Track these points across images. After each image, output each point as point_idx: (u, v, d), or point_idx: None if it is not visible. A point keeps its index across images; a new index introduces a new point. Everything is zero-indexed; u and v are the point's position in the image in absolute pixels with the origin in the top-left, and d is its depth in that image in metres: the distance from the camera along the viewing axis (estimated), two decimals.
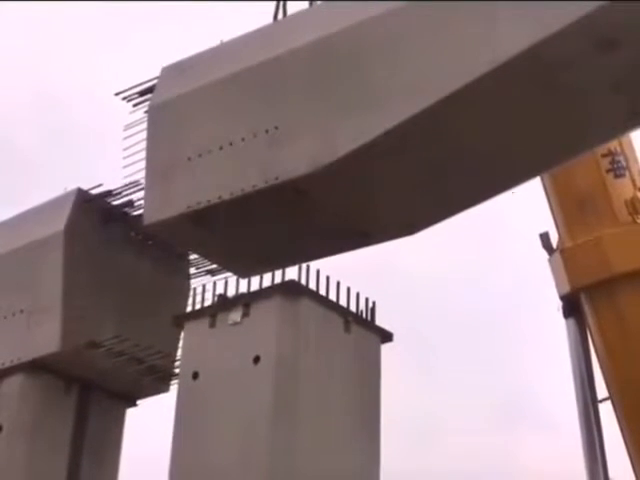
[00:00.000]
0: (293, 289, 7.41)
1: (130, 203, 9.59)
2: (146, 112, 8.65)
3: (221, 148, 7.82)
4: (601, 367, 16.01)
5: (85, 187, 9.67)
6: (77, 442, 9.59)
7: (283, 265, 7.68)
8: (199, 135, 8.02)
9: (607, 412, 15.71)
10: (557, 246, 16.49)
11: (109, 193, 9.63)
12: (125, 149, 9.04)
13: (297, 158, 7.36)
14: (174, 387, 9.25)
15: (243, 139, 7.71)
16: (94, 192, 9.66)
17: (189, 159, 7.97)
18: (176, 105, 8.30)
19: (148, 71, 8.96)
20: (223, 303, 7.64)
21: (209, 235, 7.94)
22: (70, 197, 9.58)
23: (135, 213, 9.54)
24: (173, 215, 7.93)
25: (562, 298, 16.26)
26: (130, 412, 10.20)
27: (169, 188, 8.02)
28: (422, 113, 6.87)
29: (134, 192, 9.38)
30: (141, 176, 8.77)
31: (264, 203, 7.51)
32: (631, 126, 7.75)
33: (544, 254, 16.59)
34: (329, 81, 7.42)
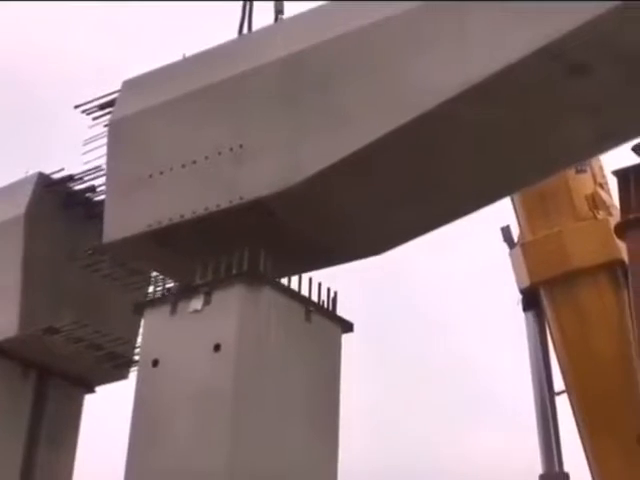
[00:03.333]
0: (255, 278, 7.40)
1: (92, 188, 9.51)
2: (106, 126, 8.51)
3: (184, 166, 7.67)
4: (558, 360, 16.21)
5: (47, 171, 9.59)
6: (34, 428, 9.53)
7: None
8: (161, 152, 7.86)
9: (564, 405, 15.90)
10: (518, 240, 16.64)
11: (71, 178, 9.55)
12: (85, 163, 9.00)
13: (263, 177, 7.26)
14: (133, 374, 9.20)
15: (207, 157, 7.57)
16: (56, 177, 9.58)
17: (151, 176, 7.80)
18: (138, 121, 8.12)
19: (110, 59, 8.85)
20: (184, 291, 7.60)
21: (170, 254, 7.77)
22: (31, 181, 9.49)
23: (97, 198, 9.47)
24: (133, 234, 7.77)
25: (522, 291, 16.43)
26: (89, 398, 10.16)
27: (130, 206, 7.87)
28: (390, 134, 6.81)
29: (96, 177, 9.32)
30: (103, 162, 8.70)
31: (228, 222, 7.39)
32: (603, 148, 7.78)
33: (505, 247, 16.72)
34: (296, 99, 7.31)
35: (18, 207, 9.32)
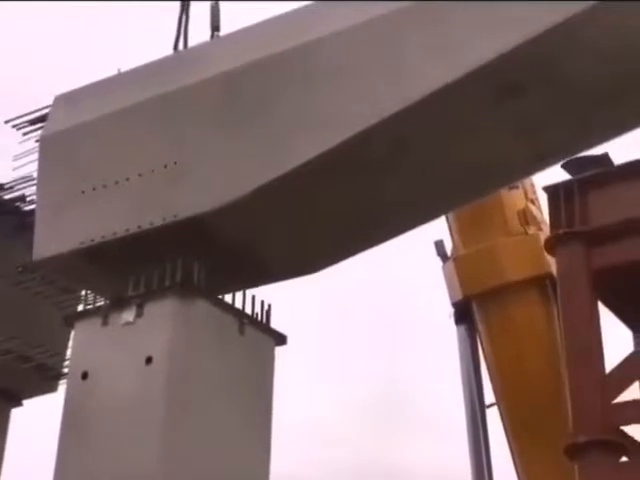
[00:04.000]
0: (188, 290, 7.34)
1: (22, 198, 9.37)
2: (37, 142, 8.35)
3: (117, 183, 7.54)
4: (489, 373, 16.43)
5: None
6: None
7: None
8: (94, 168, 7.72)
9: (494, 417, 16.11)
10: (451, 254, 16.84)
11: (0, 187, 9.39)
12: (14, 169, 8.85)
13: (198, 195, 7.18)
14: (63, 387, 9.06)
15: (140, 174, 7.46)
16: None
17: (83, 193, 7.66)
18: (69, 136, 7.97)
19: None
20: (116, 303, 7.51)
21: (102, 271, 7.63)
22: None
23: (27, 208, 9.33)
24: (65, 251, 7.61)
25: (454, 305, 16.63)
26: (15, 412, 9.96)
27: (61, 222, 7.72)
28: (327, 153, 6.81)
29: (27, 187, 9.18)
30: (34, 170, 8.57)
31: (162, 239, 7.29)
32: (537, 169, 7.87)
33: (438, 261, 16.91)
34: (233, 117, 7.26)
35: None
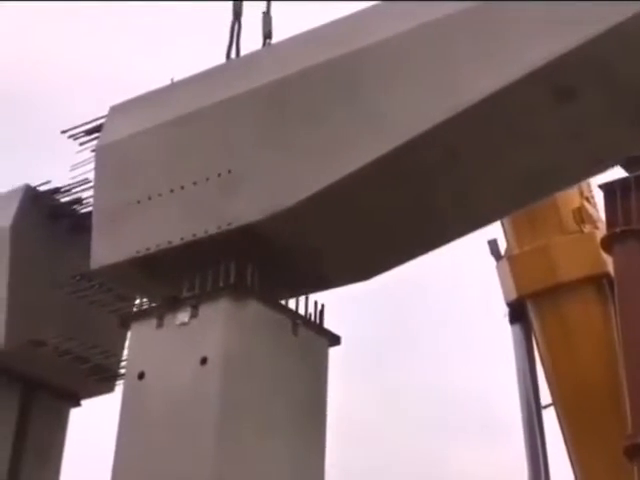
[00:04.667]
0: (242, 291, 7.39)
1: (79, 200, 9.50)
2: (93, 151, 8.48)
3: (172, 191, 7.62)
4: (545, 373, 16.24)
5: (33, 184, 9.57)
6: (19, 441, 9.47)
7: None
8: (149, 178, 7.82)
9: (550, 418, 15.93)
10: (505, 253, 16.69)
11: (57, 190, 9.53)
12: (72, 174, 8.97)
13: (252, 203, 7.22)
14: (120, 387, 9.17)
15: (195, 183, 7.53)
16: (42, 189, 9.56)
17: (139, 202, 7.77)
18: (125, 146, 8.08)
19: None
20: (171, 304, 7.58)
21: (157, 279, 7.69)
22: (18, 193, 9.47)
23: (83, 210, 9.46)
24: (121, 260, 7.73)
25: (509, 304, 16.47)
26: (74, 412, 10.11)
27: (117, 231, 7.82)
28: (381, 159, 6.79)
29: (83, 190, 9.31)
30: (90, 174, 8.69)
31: (216, 248, 7.33)
32: (594, 171, 7.80)
33: (492, 261, 16.78)
34: (286, 124, 7.28)
35: (4, 219, 9.29)
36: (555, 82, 6.47)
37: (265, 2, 8.76)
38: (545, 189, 7.78)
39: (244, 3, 8.75)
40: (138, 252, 7.66)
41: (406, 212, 7.41)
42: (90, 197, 8.93)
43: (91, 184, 8.76)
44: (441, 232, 7.73)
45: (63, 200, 9.58)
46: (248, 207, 7.24)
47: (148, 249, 7.61)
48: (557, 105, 6.59)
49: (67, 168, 9.15)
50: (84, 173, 8.95)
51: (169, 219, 7.62)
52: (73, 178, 9.07)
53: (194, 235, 7.44)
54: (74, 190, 9.44)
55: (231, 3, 8.80)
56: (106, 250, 7.90)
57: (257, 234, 7.28)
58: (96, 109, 8.65)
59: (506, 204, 7.83)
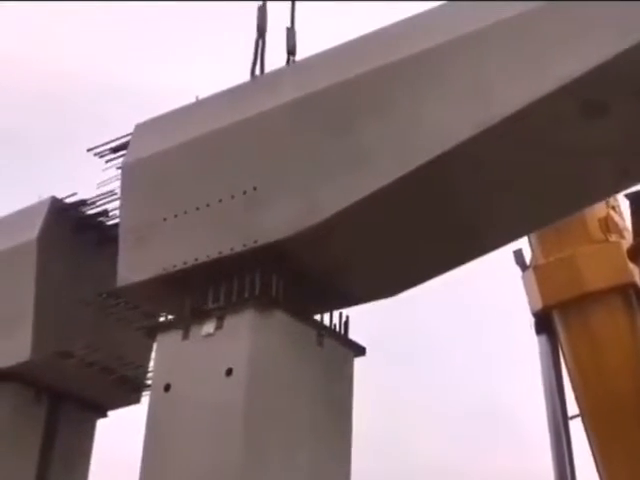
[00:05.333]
0: (267, 302, 7.40)
1: (105, 212, 9.56)
2: (119, 168, 8.53)
3: (198, 209, 7.67)
4: (572, 384, 16.11)
5: (59, 195, 9.64)
6: (46, 452, 9.52)
7: None
8: (175, 195, 7.87)
9: (577, 429, 15.79)
10: (530, 263, 16.60)
11: (83, 202, 9.59)
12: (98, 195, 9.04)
13: (277, 220, 7.23)
14: (145, 398, 9.20)
15: (220, 200, 7.57)
16: (68, 201, 9.62)
17: (165, 219, 7.82)
18: (151, 164, 8.15)
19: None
20: (197, 315, 7.61)
21: (181, 294, 7.70)
22: (44, 205, 9.54)
23: (109, 222, 9.51)
24: (148, 277, 7.78)
25: (534, 314, 16.35)
26: (101, 422, 10.15)
27: (144, 249, 7.87)
28: (407, 175, 6.76)
29: (109, 202, 9.36)
30: (116, 186, 8.75)
31: (242, 266, 7.36)
32: (623, 186, 7.69)
33: (517, 270, 16.69)
34: (311, 141, 7.28)
35: (31, 231, 9.36)
36: (586, 96, 6.40)
37: (289, 17, 8.77)
38: (573, 205, 7.72)
39: (268, 19, 8.76)
40: (164, 269, 7.70)
41: (433, 227, 7.37)
42: (116, 209, 8.99)
43: (117, 196, 8.81)
44: (468, 247, 7.70)
45: (89, 212, 9.64)
46: (274, 224, 7.25)
47: (174, 266, 7.65)
48: (587, 119, 6.53)
49: (93, 180, 9.24)
50: (110, 185, 9.01)
51: (195, 236, 7.65)
52: (99, 189, 9.14)
53: (220, 252, 7.46)
54: (100, 202, 9.50)
55: (254, 19, 8.81)
56: (132, 267, 7.94)
57: (283, 251, 7.29)
58: (122, 124, 8.71)
59: (533, 220, 7.78)
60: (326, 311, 7.81)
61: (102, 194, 9.34)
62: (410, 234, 7.39)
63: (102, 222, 9.62)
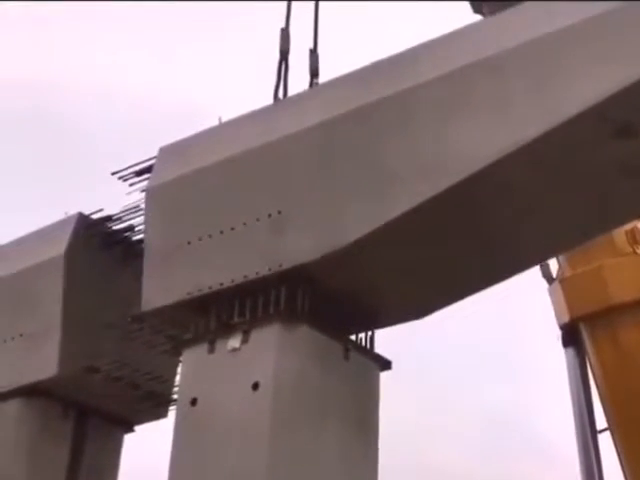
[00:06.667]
0: (293, 316, 7.39)
1: (131, 228, 9.60)
2: (143, 191, 8.57)
3: (222, 232, 7.65)
4: (600, 397, 15.98)
5: (86, 212, 9.71)
6: (74, 468, 9.54)
7: None
8: (199, 219, 7.86)
9: (606, 443, 15.65)
10: (557, 275, 16.50)
11: (109, 218, 9.65)
12: (123, 210, 9.14)
13: (303, 243, 7.20)
14: (172, 413, 9.21)
15: (245, 223, 7.55)
16: (95, 217, 9.68)
17: (189, 243, 7.81)
18: (175, 187, 8.14)
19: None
20: (222, 329, 7.62)
21: (208, 316, 7.68)
22: (71, 222, 9.60)
23: (135, 238, 9.56)
24: (173, 302, 7.77)
25: (561, 327, 16.25)
26: (129, 436, 10.17)
27: (169, 272, 7.86)
28: (435, 197, 6.71)
29: (135, 217, 9.41)
30: (142, 200, 8.79)
31: (267, 289, 7.36)
32: None
33: (544, 283, 16.59)
34: (337, 163, 7.23)
35: (58, 247, 9.43)
36: (612, 119, 6.35)
37: (312, 40, 8.80)
38: (599, 228, 7.65)
39: (291, 41, 8.78)
40: (189, 293, 7.69)
41: (460, 249, 7.31)
42: (142, 224, 9.03)
43: (142, 211, 8.85)
44: (496, 269, 7.64)
45: (115, 228, 9.69)
46: (299, 248, 7.23)
47: (200, 290, 7.63)
48: (614, 142, 6.47)
49: (118, 195, 9.29)
50: (134, 199, 9.06)
51: (219, 260, 7.63)
52: (125, 205, 9.20)
53: (245, 277, 7.44)
54: (126, 218, 9.55)
55: (278, 43, 8.83)
56: (157, 292, 7.93)
57: (308, 275, 7.27)
58: (145, 145, 8.74)
59: (562, 242, 7.73)
60: (353, 332, 7.77)
61: (128, 209, 9.39)
62: (437, 256, 7.35)
63: (128, 237, 9.67)
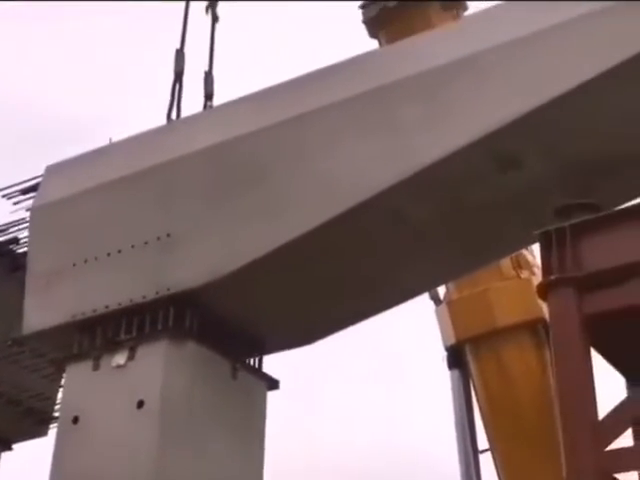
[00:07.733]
0: (180, 333, 7.31)
1: (15, 240, 9.35)
2: (28, 210, 8.34)
3: (109, 255, 7.52)
4: (482, 418, 16.32)
5: None
6: None
7: None
8: (85, 240, 7.69)
9: (487, 463, 15.98)
10: (444, 297, 16.80)
11: None
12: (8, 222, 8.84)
13: (191, 267, 7.14)
14: (53, 431, 8.97)
15: (133, 246, 7.44)
16: None
17: (74, 265, 7.64)
18: (61, 207, 7.96)
19: None
20: (108, 346, 7.47)
21: (93, 338, 7.51)
22: None
23: (20, 250, 9.31)
24: (55, 325, 7.56)
25: (447, 349, 16.54)
26: (5, 456, 9.87)
27: (52, 295, 7.66)
28: (324, 225, 6.76)
29: (20, 229, 9.17)
30: (28, 213, 8.57)
31: (155, 310, 7.26)
32: (533, 240, 7.82)
33: (431, 305, 16.86)
34: (228, 188, 7.22)
35: None
36: (497, 151, 6.51)
37: (208, 61, 8.77)
38: (485, 257, 7.83)
39: (185, 62, 8.72)
40: (74, 316, 7.51)
41: (349, 277, 7.37)
42: (27, 237, 8.80)
43: (27, 224, 8.63)
44: (385, 297, 7.72)
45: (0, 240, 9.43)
46: (187, 272, 7.15)
47: (84, 314, 7.46)
48: (499, 174, 6.64)
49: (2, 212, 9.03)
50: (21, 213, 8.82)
51: (106, 283, 7.48)
52: (11, 215, 8.92)
53: (131, 300, 7.32)
54: (10, 230, 9.29)
55: (172, 60, 8.76)
56: (40, 314, 7.71)
57: (196, 300, 7.20)
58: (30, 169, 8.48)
59: (448, 270, 7.86)
60: (241, 358, 7.71)
61: (13, 222, 9.14)
62: (326, 284, 7.37)
63: (12, 250, 9.40)
